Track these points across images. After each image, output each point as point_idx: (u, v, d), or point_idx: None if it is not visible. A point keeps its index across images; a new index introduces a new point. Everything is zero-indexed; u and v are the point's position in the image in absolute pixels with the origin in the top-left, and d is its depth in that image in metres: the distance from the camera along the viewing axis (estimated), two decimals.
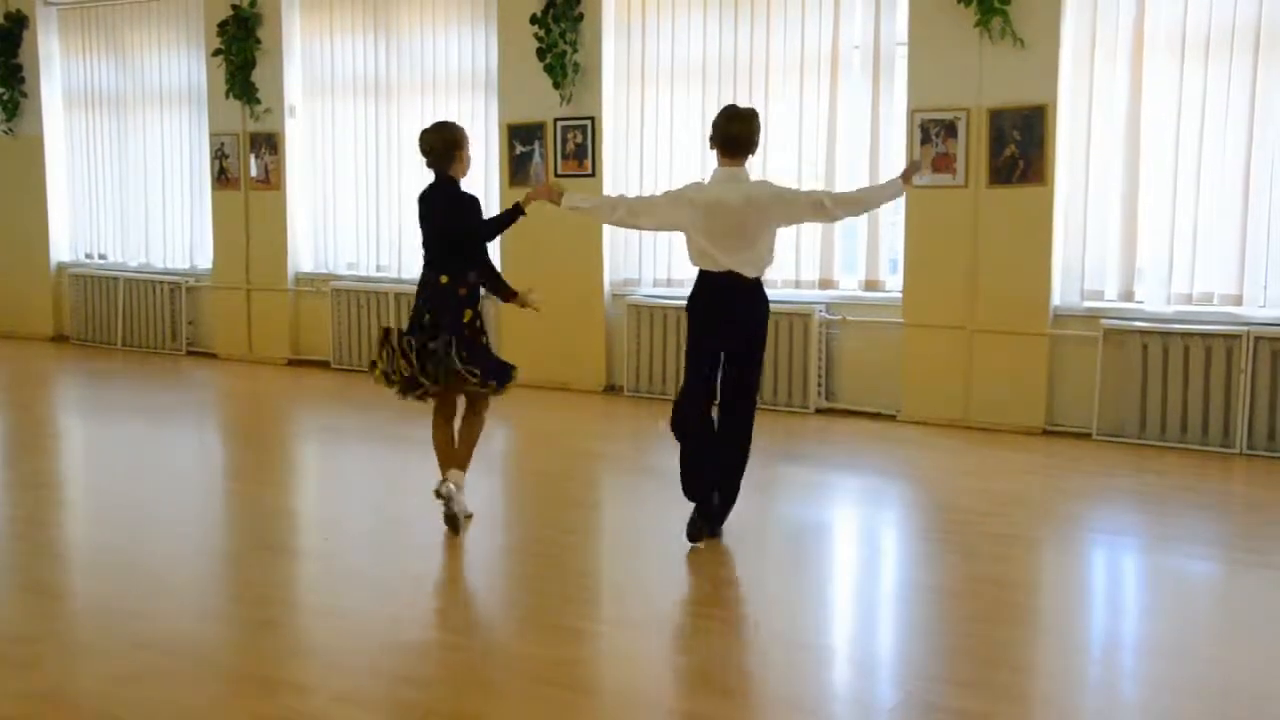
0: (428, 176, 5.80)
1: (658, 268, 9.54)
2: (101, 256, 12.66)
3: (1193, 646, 4.48)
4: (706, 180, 5.56)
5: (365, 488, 7.04)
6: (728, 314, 5.46)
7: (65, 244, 12.80)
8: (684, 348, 5.75)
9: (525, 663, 4.29)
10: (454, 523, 5.58)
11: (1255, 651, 4.42)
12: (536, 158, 9.72)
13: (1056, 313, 8.07)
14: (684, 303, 9.03)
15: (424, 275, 5.74)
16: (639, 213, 5.84)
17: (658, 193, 6.20)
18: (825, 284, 8.85)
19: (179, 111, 11.87)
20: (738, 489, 5.63)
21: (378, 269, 10.88)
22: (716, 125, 5.49)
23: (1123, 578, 5.61)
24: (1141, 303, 7.89)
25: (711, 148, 5.55)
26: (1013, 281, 8.05)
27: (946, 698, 3.96)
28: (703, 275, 5.51)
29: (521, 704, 3.93)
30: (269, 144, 11.10)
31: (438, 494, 5.53)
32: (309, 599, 5.13)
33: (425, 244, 5.78)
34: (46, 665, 4.20)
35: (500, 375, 5.68)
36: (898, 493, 7.06)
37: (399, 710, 3.83)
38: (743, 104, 5.78)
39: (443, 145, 5.69)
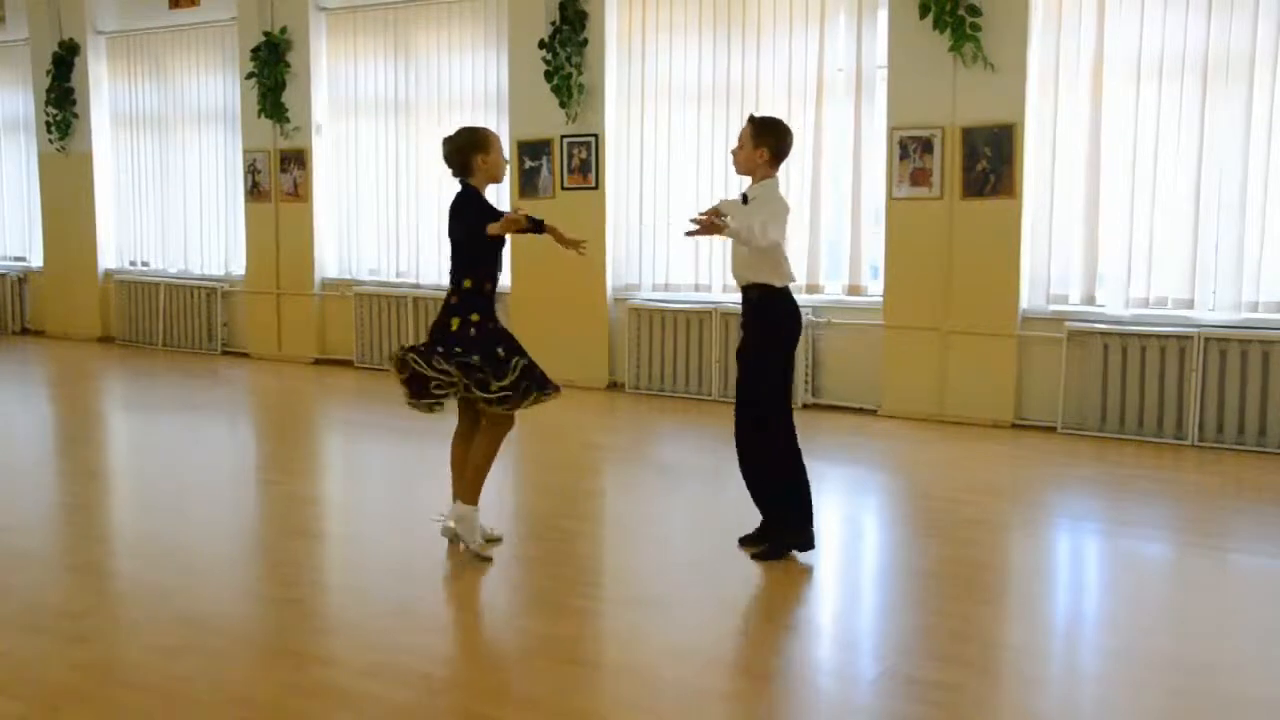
0: (445, 188, 5.51)
1: (656, 273, 9.56)
2: (144, 264, 12.67)
3: (1147, 621, 4.50)
4: (777, 191, 5.06)
5: (386, 477, 7.05)
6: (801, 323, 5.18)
7: (112, 252, 12.82)
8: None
9: (534, 639, 4.30)
10: (481, 557, 5.05)
11: (1204, 625, 4.44)
12: (544, 172, 9.73)
13: (1024, 315, 8.08)
14: (681, 307, 9.21)
15: None
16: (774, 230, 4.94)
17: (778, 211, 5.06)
18: (812, 289, 8.86)
19: (215, 130, 11.90)
20: None
21: (397, 275, 10.89)
22: (780, 139, 5.02)
23: (1084, 559, 5.62)
24: (1102, 306, 7.90)
25: (770, 163, 5.02)
26: (984, 286, 8.06)
27: (922, 670, 3.98)
28: (786, 290, 5.07)
29: (531, 676, 3.94)
30: (297, 160, 11.11)
31: (444, 532, 5.10)
32: (335, 579, 5.14)
33: None
34: (95, 639, 4.22)
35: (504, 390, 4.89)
36: (878, 482, 7.07)
37: (419, 681, 3.83)
38: (735, 122, 5.60)
39: (455, 153, 5.08)
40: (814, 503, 5.18)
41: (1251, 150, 7.36)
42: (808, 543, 5.12)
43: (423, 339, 5.25)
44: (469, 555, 5.09)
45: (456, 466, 5.21)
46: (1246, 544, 5.66)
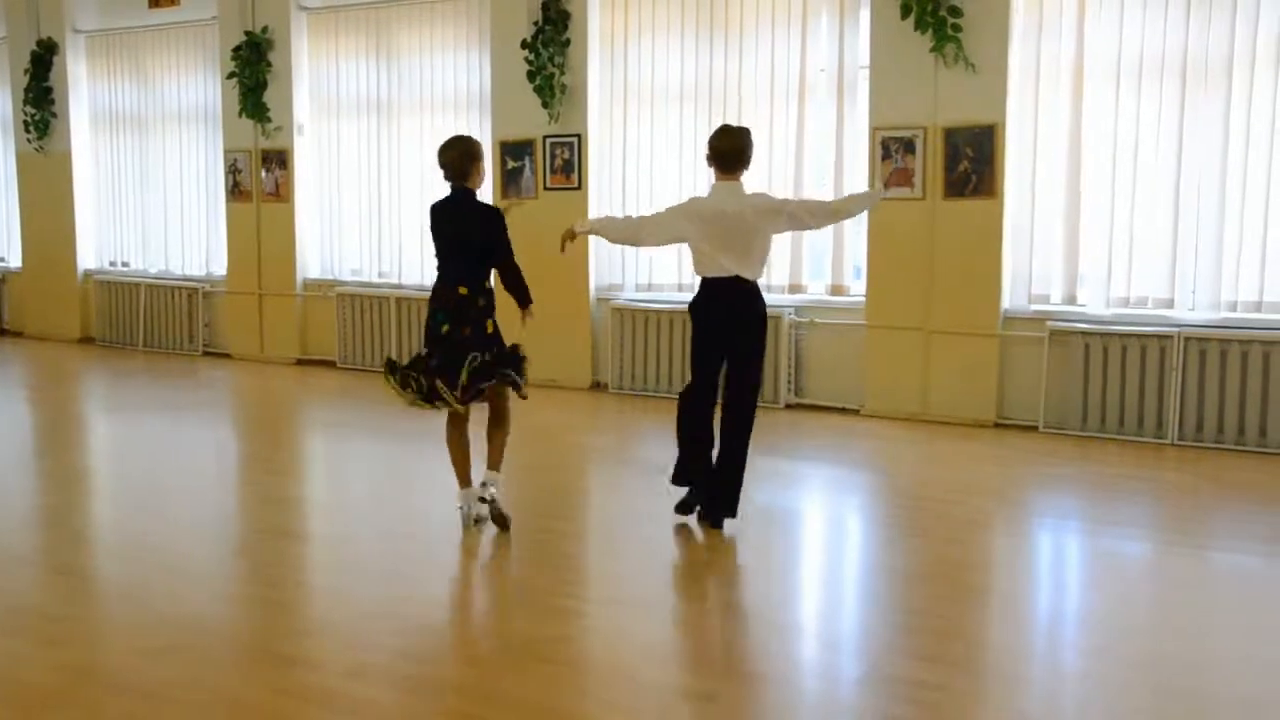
0: (427, 189, 5.72)
1: (639, 273, 9.56)
2: (124, 264, 12.59)
3: (1128, 619, 4.53)
4: (706, 194, 5.52)
5: (370, 478, 7.03)
6: (732, 315, 5.41)
7: (91, 253, 12.74)
8: (687, 348, 5.78)
9: (519, 639, 4.29)
10: (503, 521, 5.48)
11: (1184, 623, 4.48)
12: (527, 172, 9.72)
13: (1006, 315, 8.12)
14: (664, 307, 9.22)
15: (438, 285, 5.42)
16: (647, 228, 5.68)
17: (660, 210, 5.85)
18: (794, 288, 8.89)
19: (196, 130, 11.84)
20: (741, 480, 5.53)
21: (379, 275, 10.86)
22: (711, 144, 5.43)
23: (1066, 558, 5.65)
24: (1083, 306, 7.95)
25: (709, 165, 5.48)
26: (966, 286, 8.09)
27: (906, 669, 3.99)
28: (707, 282, 5.46)
29: (516, 677, 3.94)
30: (279, 160, 11.07)
31: (465, 505, 5.48)
32: (319, 581, 5.13)
33: (441, 254, 5.47)
34: (76, 641, 4.20)
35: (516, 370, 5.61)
36: (861, 481, 7.09)
37: (403, 683, 3.83)
38: (717, 123, 5.79)
39: (461, 159, 5.42)
40: (701, 482, 5.63)
41: (1230, 151, 7.41)
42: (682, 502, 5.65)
43: (408, 340, 5.55)
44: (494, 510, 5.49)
45: (460, 461, 5.53)
46: (1226, 542, 5.71)
